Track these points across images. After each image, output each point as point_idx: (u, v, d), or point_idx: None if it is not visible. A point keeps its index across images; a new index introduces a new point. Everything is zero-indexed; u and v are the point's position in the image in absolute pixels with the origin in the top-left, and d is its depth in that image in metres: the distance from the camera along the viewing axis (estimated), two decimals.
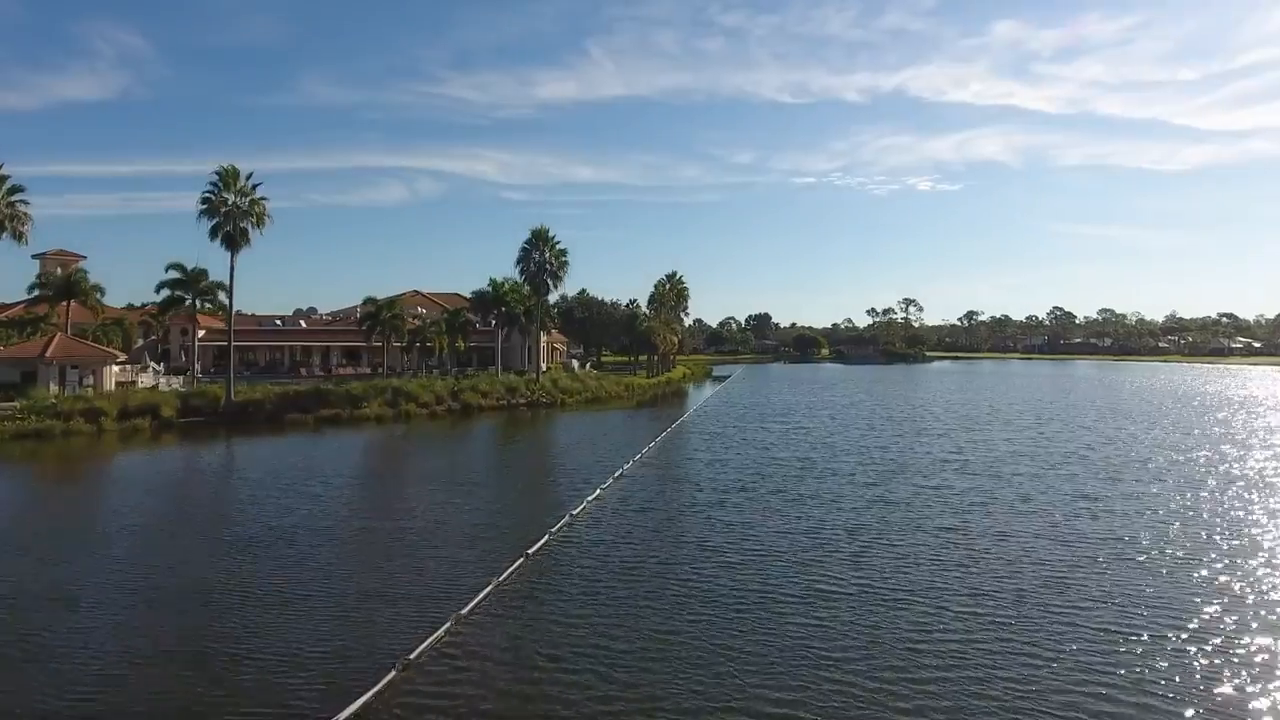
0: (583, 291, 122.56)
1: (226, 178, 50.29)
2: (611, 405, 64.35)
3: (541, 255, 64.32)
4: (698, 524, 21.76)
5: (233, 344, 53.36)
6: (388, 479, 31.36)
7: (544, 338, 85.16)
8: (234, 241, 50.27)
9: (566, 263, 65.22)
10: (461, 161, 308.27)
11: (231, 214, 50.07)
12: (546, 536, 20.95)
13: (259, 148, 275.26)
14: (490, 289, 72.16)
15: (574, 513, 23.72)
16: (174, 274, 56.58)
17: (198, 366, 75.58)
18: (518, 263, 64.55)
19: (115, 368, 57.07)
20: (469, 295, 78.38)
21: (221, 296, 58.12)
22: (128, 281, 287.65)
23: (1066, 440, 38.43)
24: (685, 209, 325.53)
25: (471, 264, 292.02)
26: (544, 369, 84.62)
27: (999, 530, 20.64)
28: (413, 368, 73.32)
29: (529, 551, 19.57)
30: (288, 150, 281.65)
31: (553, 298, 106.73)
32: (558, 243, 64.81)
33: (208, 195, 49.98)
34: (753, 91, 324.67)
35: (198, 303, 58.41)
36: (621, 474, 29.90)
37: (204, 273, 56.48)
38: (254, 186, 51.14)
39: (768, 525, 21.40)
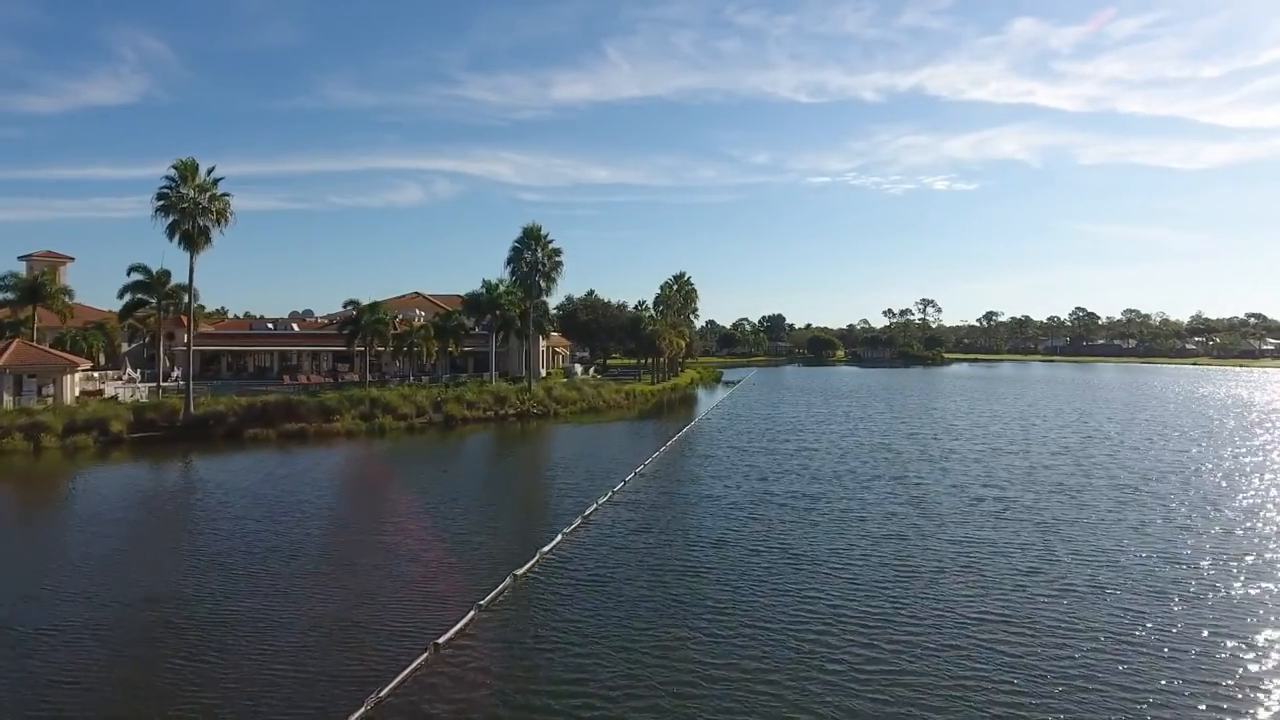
0: (590, 293, 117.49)
1: (184, 172, 45.50)
2: (609, 416, 59.07)
3: (534, 255, 59.15)
4: (659, 605, 16.27)
5: (192, 349, 48.67)
6: (304, 519, 26.06)
7: (542, 342, 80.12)
8: (193, 241, 45.52)
9: (560, 262, 60.07)
10: (478, 163, 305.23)
11: (190, 211, 45.32)
12: (471, 613, 15.81)
13: (279, 150, 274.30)
14: (484, 291, 67.14)
15: (518, 573, 18.54)
16: (137, 276, 52.12)
17: (177, 373, 71.35)
18: (508, 262, 59.48)
19: (79, 376, 52.68)
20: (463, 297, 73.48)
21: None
22: None
23: (1121, 469, 32.45)
24: (701, 210, 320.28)
25: (485, 266, 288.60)
26: (543, 375, 79.63)
27: (1066, 623, 14.90)
28: (401, 374, 68.56)
29: (438, 641, 14.42)
30: (307, 153, 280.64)
31: (556, 300, 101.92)
32: (551, 241, 59.66)
33: (164, 191, 45.25)
34: (770, 92, 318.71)
35: (165, 306, 53.72)
36: (588, 516, 24.57)
37: (168, 274, 51.89)
38: (215, 181, 46.34)
39: (750, 609, 15.83)
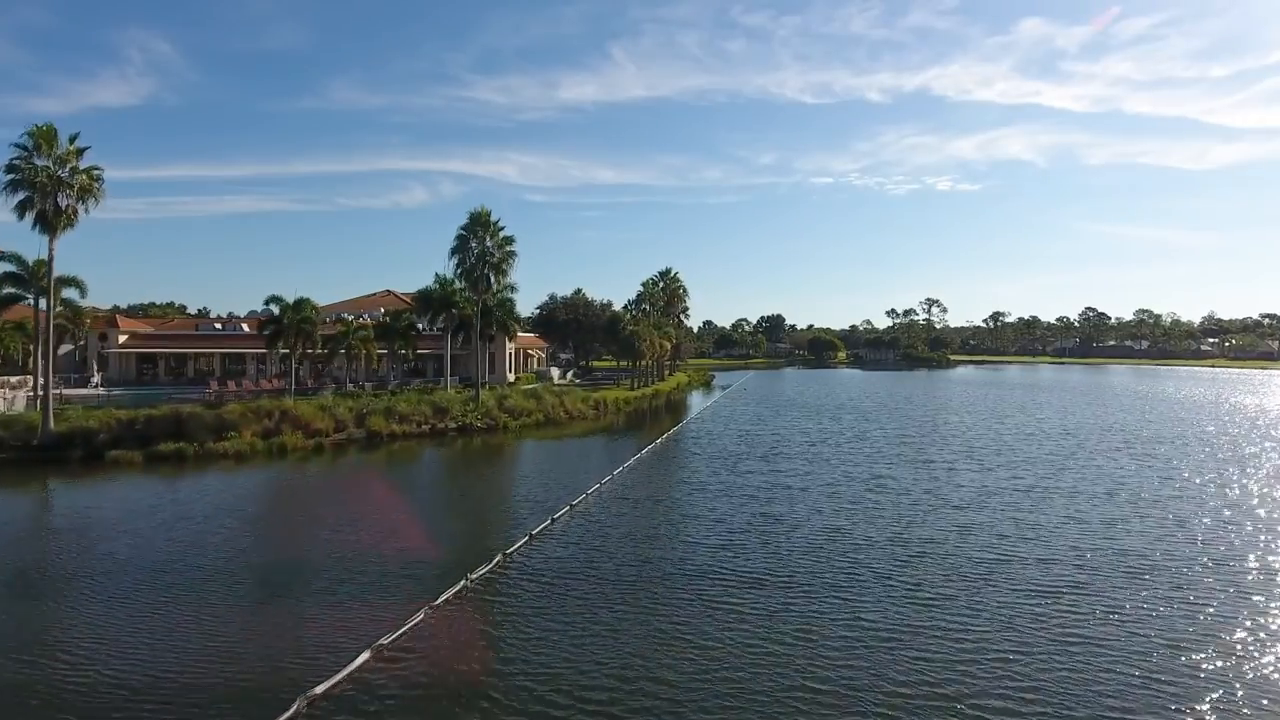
0: (578, 291, 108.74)
1: (40, 139, 36.79)
2: (570, 430, 50.12)
3: (482, 244, 50.19)
4: None
5: (52, 352, 39.95)
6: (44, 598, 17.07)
7: (510, 343, 71.35)
8: (50, 222, 36.88)
9: (513, 253, 50.99)
10: (484, 164, 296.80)
11: (46, 187, 36.64)
12: None
13: (286, 152, 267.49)
14: (436, 287, 58.42)
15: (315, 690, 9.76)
16: (7, 267, 43.76)
17: (97, 378, 63.13)
18: (453, 253, 50.38)
19: None
20: (410, 295, 64.82)
21: (69, 293, 45.20)
22: (147, 286, 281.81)
23: (1217, 522, 22.89)
24: (708, 210, 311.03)
25: None
26: (510, 380, 70.89)
27: None
28: (342, 380, 59.81)
29: None
30: (314, 154, 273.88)
31: (534, 300, 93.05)
32: (502, 228, 50.63)
33: (14, 163, 36.53)
34: (776, 92, 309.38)
35: (41, 302, 45.09)
36: (447, 599, 15.64)
37: (45, 264, 43.21)
38: (79, 152, 37.68)
39: None
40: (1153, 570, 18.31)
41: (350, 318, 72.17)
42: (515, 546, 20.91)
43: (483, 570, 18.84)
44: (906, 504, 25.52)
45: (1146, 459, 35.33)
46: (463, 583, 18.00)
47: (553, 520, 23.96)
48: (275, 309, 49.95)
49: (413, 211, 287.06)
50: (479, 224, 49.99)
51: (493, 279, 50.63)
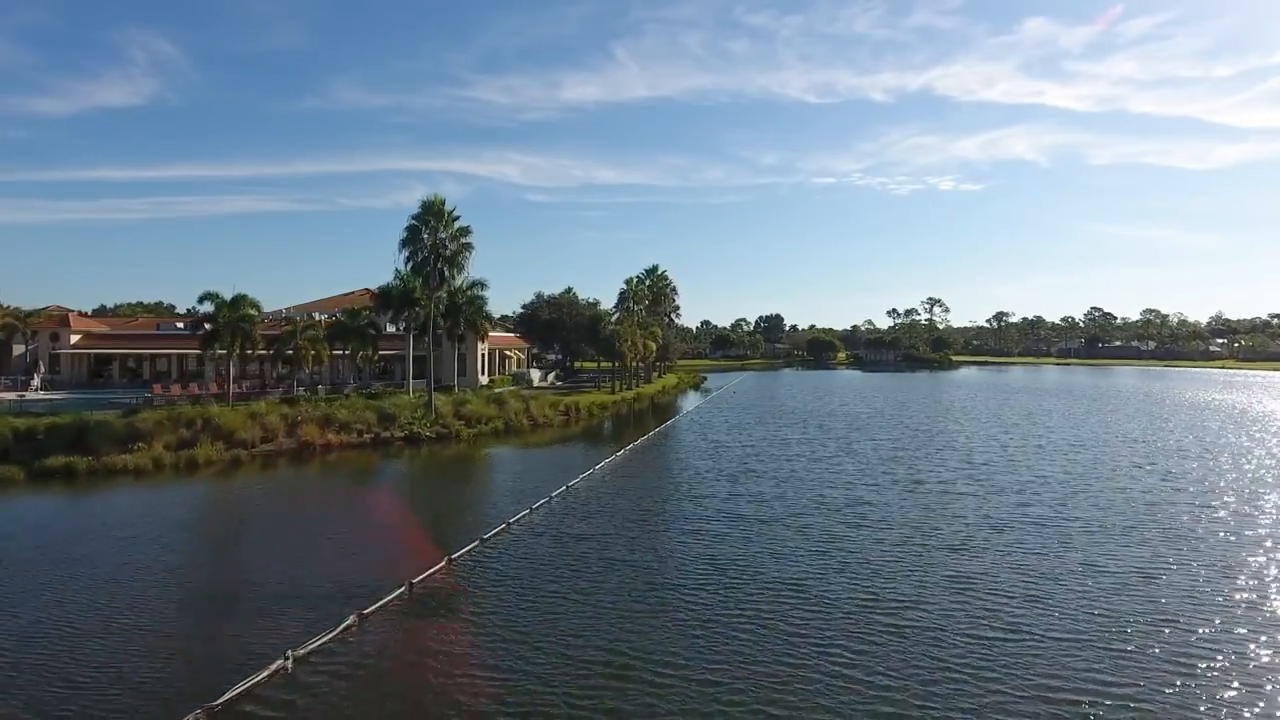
0: (568, 290, 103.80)
1: None
2: (532, 438, 45.26)
3: (434, 236, 45.32)
4: None
5: None
6: None
7: (480, 344, 66.44)
8: None
9: (469, 245, 46.16)
10: (486, 164, 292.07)
11: None
12: None
13: (289, 152, 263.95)
14: (397, 283, 53.55)
15: None
16: None
17: (37, 380, 58.60)
18: (403, 245, 45.58)
19: None
20: (373, 291, 60.02)
21: None
22: (146, 286, 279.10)
23: None
24: (710, 211, 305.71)
25: (489, 267, 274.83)
26: (483, 382, 66.09)
27: None
28: (289, 384, 55.06)
29: None
30: (315, 154, 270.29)
31: (515, 304, 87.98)
32: (457, 218, 45.77)
33: None
34: (779, 92, 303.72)
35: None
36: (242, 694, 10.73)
37: None
38: None
39: None
40: (1211, 654, 13.24)
41: (321, 317, 67.73)
42: (380, 604, 16.08)
43: (320, 641, 14.04)
44: (888, 544, 20.43)
45: (1175, 479, 30.10)
46: (279, 661, 13.26)
47: (450, 561, 19.17)
48: (211, 307, 45.18)
49: (414, 212, 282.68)
50: (431, 213, 45.15)
51: (447, 273, 45.80)
